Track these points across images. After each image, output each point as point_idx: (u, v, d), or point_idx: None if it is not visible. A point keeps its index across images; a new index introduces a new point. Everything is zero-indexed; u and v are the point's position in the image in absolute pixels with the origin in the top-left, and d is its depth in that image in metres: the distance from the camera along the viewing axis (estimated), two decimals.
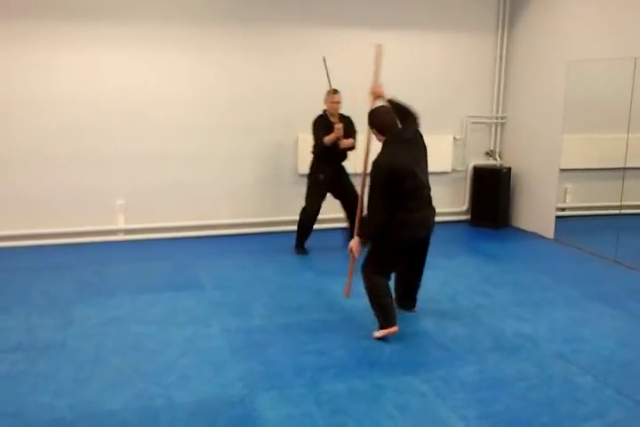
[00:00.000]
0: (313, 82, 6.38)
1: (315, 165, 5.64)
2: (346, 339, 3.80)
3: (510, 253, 6.00)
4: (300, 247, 5.74)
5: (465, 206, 7.17)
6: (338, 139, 5.46)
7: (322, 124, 5.56)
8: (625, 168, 5.59)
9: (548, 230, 6.43)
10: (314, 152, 5.66)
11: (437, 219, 6.83)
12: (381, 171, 3.63)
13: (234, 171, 6.33)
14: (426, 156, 3.97)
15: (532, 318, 4.18)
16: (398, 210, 3.71)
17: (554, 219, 6.38)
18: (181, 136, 6.14)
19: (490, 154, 7.16)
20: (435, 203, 6.60)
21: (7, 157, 5.71)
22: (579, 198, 6.86)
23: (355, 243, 3.88)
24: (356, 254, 3.91)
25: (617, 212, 5.65)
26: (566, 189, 6.75)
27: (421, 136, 3.95)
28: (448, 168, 7.00)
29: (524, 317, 4.22)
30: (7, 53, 5.58)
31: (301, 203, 6.70)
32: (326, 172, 5.58)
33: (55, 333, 3.85)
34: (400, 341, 3.79)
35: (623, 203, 5.63)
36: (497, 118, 7.10)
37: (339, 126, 5.42)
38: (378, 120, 3.85)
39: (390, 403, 3.03)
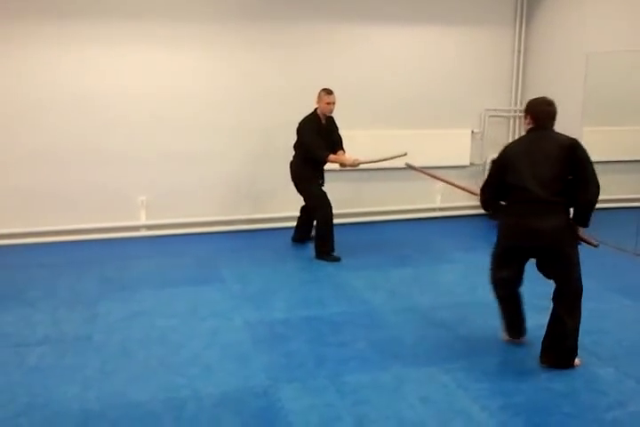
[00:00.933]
0: (332, 79, 6.42)
1: (307, 170, 5.36)
2: (367, 331, 3.84)
3: None
4: (332, 253, 5.39)
5: None
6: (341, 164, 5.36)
7: (314, 130, 5.27)
8: None
9: None
10: (304, 157, 5.32)
11: (454, 213, 7.02)
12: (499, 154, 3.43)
13: (253, 168, 6.38)
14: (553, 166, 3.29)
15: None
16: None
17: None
18: (202, 135, 6.19)
19: None
20: (452, 196, 6.65)
21: (32, 154, 5.80)
22: (600, 191, 6.81)
23: None
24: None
25: (638, 204, 5.61)
26: None
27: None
28: (466, 162, 7.00)
29: (545, 307, 4.16)
30: (40, 51, 5.67)
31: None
32: (320, 176, 5.49)
33: (81, 326, 3.92)
34: (421, 332, 3.82)
35: None
36: (515, 111, 7.07)
37: (356, 162, 5.30)
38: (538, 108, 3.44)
39: (412, 394, 3.06)
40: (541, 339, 3.45)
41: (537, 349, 3.55)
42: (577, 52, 6.11)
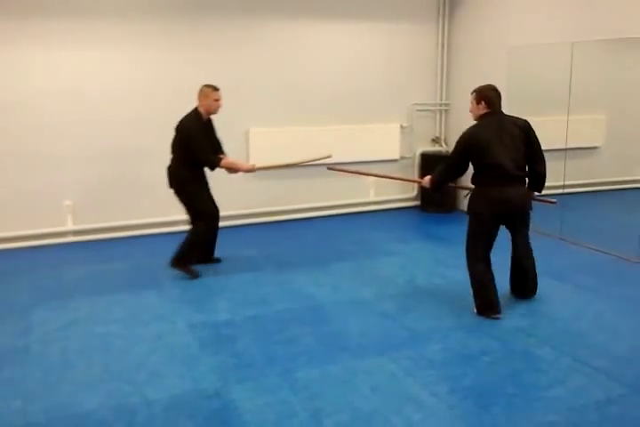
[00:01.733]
0: (259, 74, 6.42)
1: (191, 173, 4.85)
2: (313, 327, 3.86)
3: (461, 235, 6.10)
4: (191, 266, 4.86)
5: (414, 192, 7.32)
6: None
7: (201, 131, 4.77)
8: (566, 149, 5.84)
9: None
10: (188, 160, 4.76)
11: (388, 206, 7.16)
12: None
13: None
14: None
15: None
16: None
17: None
18: (129, 133, 6.04)
19: (436, 140, 7.33)
20: (385, 190, 6.83)
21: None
22: None
23: None
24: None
25: (560, 191, 5.89)
26: None
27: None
28: (396, 155, 7.13)
29: None
30: None
31: (256, 196, 6.74)
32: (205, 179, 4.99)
33: (16, 338, 3.76)
34: (365, 324, 3.88)
35: (566, 182, 5.88)
36: (441, 105, 7.27)
37: (253, 168, 4.97)
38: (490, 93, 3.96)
39: (363, 385, 3.11)
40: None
41: (479, 333, 3.69)
42: (499, 46, 6.33)
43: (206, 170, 4.93)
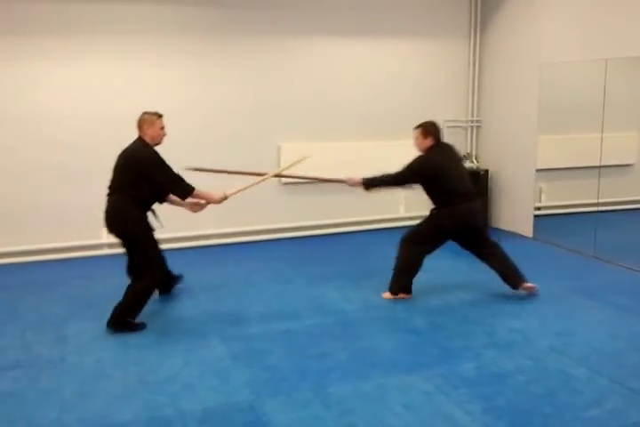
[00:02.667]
0: (291, 91, 6.50)
1: (141, 214, 4.19)
2: (344, 342, 3.86)
3: None
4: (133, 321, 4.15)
5: None
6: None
7: (163, 160, 4.15)
8: (600, 166, 5.78)
9: (527, 229, 6.60)
10: (140, 198, 4.13)
11: (418, 222, 7.11)
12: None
13: (217, 181, 6.33)
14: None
15: (522, 314, 4.30)
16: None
17: (532, 218, 6.56)
18: (165, 148, 6.13)
19: (467, 157, 7.31)
20: (416, 206, 6.85)
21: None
22: (553, 197, 7.05)
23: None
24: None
25: (594, 209, 5.83)
26: (541, 188, 6.93)
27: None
28: None
29: (514, 313, 4.34)
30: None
31: (286, 211, 6.79)
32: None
33: (53, 348, 3.83)
34: (396, 341, 3.87)
35: (600, 200, 5.82)
36: (472, 122, 7.27)
37: (225, 196, 4.45)
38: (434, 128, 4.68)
39: (396, 402, 3.10)
40: None
41: (512, 352, 3.65)
42: (531, 63, 6.33)
43: None
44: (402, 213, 7.12)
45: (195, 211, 4.57)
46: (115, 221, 4.13)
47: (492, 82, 7.01)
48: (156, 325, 4.20)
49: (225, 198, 4.45)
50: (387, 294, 4.66)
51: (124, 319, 4.10)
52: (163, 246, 6.27)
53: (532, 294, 4.63)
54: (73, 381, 3.38)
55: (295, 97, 6.50)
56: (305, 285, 5.05)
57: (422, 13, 6.84)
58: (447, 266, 5.58)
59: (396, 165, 7.10)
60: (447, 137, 7.10)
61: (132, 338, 3.98)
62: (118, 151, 5.96)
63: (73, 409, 3.07)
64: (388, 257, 5.80)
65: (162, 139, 4.29)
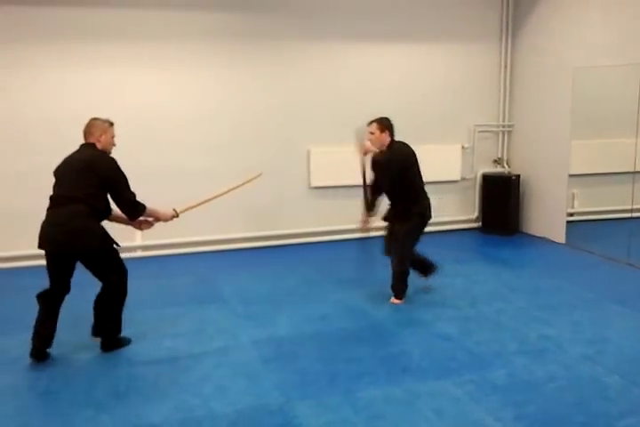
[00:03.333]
0: (321, 95, 6.53)
1: (100, 226, 3.76)
2: (374, 346, 3.86)
3: (524, 258, 6.10)
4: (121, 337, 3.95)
5: (475, 214, 7.26)
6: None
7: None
8: (635, 172, 5.70)
9: (559, 235, 6.52)
10: (98, 214, 3.73)
11: (447, 227, 7.11)
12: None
13: (247, 185, 6.40)
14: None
15: (554, 321, 4.25)
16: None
17: (564, 224, 6.48)
18: (195, 152, 6.23)
19: (498, 162, 7.27)
20: (444, 211, 6.86)
21: (18, 176, 5.80)
22: (586, 203, 6.97)
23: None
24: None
25: (628, 215, 5.74)
26: (573, 194, 6.85)
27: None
28: (457, 177, 7.11)
29: (546, 320, 4.29)
30: (24, 73, 5.70)
31: (314, 215, 6.82)
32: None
33: (86, 349, 3.89)
34: (427, 346, 3.86)
35: (634, 206, 5.73)
36: (504, 126, 7.22)
37: (175, 214, 4.20)
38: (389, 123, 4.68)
39: (426, 407, 3.09)
40: None
41: (543, 359, 3.62)
42: (563, 67, 6.26)
43: None
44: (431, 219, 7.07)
45: (142, 229, 4.16)
46: (79, 237, 3.57)
47: (524, 86, 6.95)
48: (186, 327, 4.25)
49: (176, 216, 4.14)
50: (395, 300, 4.70)
51: (115, 334, 3.90)
52: (192, 250, 6.43)
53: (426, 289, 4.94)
54: (106, 381, 3.45)
55: (325, 101, 6.54)
56: (333, 289, 5.06)
57: (453, 17, 6.82)
58: (476, 271, 5.55)
59: (425, 168, 7.10)
60: (477, 141, 7.14)
61: (165, 339, 4.03)
62: (140, 153, 6.00)
63: (106, 409, 3.13)
64: None
65: (111, 149, 3.85)
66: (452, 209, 7.19)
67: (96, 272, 3.82)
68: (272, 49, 6.31)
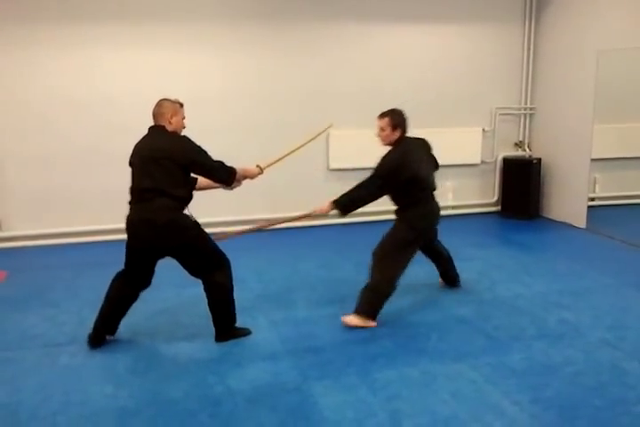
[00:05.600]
0: (341, 77, 6.48)
1: (186, 216, 3.62)
2: (390, 328, 3.87)
3: (544, 242, 6.05)
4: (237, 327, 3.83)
5: (495, 198, 7.21)
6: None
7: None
8: None
9: (580, 220, 6.45)
10: (182, 203, 3.58)
11: (467, 211, 7.07)
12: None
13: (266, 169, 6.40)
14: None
15: (573, 306, 4.23)
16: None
17: (586, 208, 6.40)
18: (214, 135, 6.21)
19: (519, 145, 7.19)
20: (464, 194, 6.74)
21: (45, 156, 5.86)
22: (608, 188, 6.89)
23: None
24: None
25: None
26: (595, 178, 6.77)
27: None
28: (477, 160, 7.05)
29: (565, 305, 4.27)
30: (51, 54, 5.73)
31: (333, 197, 6.83)
32: None
33: None
34: (444, 329, 3.86)
35: None
36: (526, 109, 7.12)
37: (261, 169, 4.05)
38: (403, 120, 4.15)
39: (443, 389, 3.10)
40: None
41: (562, 344, 3.60)
42: (587, 50, 6.15)
43: None
44: (450, 202, 7.05)
45: (232, 188, 3.95)
46: (172, 233, 3.47)
47: (547, 69, 6.83)
48: (204, 308, 4.28)
49: (261, 172, 4.01)
50: (349, 319, 3.91)
51: (230, 328, 3.76)
52: (209, 230, 6.44)
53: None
54: (126, 357, 3.50)
55: (344, 84, 6.49)
56: (352, 271, 5.06)
57: None
58: (495, 255, 5.52)
59: (445, 152, 7.04)
60: (499, 124, 7.05)
61: (184, 317, 4.08)
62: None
63: (126, 385, 3.18)
64: None
65: (182, 131, 3.70)
66: (471, 193, 7.13)
67: (195, 269, 3.65)
68: (291, 31, 6.26)
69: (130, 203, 3.55)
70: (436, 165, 4.32)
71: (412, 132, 6.63)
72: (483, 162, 7.08)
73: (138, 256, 3.62)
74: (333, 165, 6.57)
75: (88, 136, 5.92)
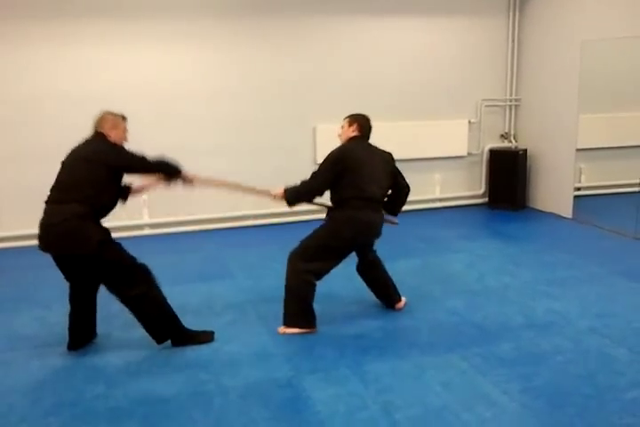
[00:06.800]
0: (328, 71, 6.48)
1: (98, 226, 3.48)
2: (381, 321, 3.90)
3: (531, 233, 6.09)
4: (191, 332, 3.67)
5: (482, 189, 7.24)
6: None
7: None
8: None
9: (567, 210, 6.50)
10: (95, 210, 3.42)
11: (454, 203, 7.10)
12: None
13: (254, 163, 6.40)
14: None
15: (561, 296, 4.27)
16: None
17: (572, 198, 6.45)
18: (201, 130, 6.22)
19: (505, 136, 7.22)
20: (451, 187, 6.73)
21: (35, 154, 5.80)
22: (593, 178, 6.93)
23: None
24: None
25: (636, 189, 5.70)
26: (580, 168, 6.81)
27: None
28: (464, 152, 7.07)
29: (553, 294, 4.30)
30: (41, 51, 5.70)
31: None
32: None
33: (98, 326, 3.91)
34: (433, 321, 3.89)
35: None
36: (511, 101, 7.15)
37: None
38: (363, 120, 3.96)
39: (434, 380, 3.12)
40: None
41: (550, 332, 3.64)
42: (571, 40, 6.18)
43: None
44: (438, 194, 7.08)
45: (174, 184, 3.75)
46: (72, 240, 3.30)
47: (532, 60, 6.86)
48: (194, 303, 4.29)
49: (191, 182, 3.78)
50: (283, 328, 3.80)
51: (175, 331, 3.59)
52: (200, 227, 6.47)
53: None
54: (117, 357, 3.50)
55: (330, 77, 6.49)
56: (342, 265, 5.06)
57: None
58: (483, 246, 5.56)
59: (431, 144, 7.08)
60: (485, 116, 7.08)
61: None
62: (159, 132, 6.02)
63: (118, 384, 3.17)
64: (424, 238, 5.84)
65: (125, 141, 3.61)
66: (458, 185, 7.16)
67: (106, 283, 3.50)
68: (278, 25, 6.24)
69: (45, 202, 3.45)
70: (397, 183, 3.94)
71: (398, 124, 6.71)
72: (469, 154, 7.11)
73: (55, 262, 3.50)
74: (320, 160, 6.54)
75: (81, 133, 5.83)
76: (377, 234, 3.88)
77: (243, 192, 4.18)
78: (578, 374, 3.16)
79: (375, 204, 3.79)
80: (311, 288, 3.76)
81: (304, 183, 3.81)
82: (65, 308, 4.22)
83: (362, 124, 3.92)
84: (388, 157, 3.92)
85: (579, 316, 3.89)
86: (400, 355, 3.42)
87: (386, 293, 4.13)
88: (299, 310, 3.76)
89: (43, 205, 3.50)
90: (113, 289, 3.50)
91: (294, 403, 2.95)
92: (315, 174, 3.80)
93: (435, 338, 3.64)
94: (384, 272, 4.14)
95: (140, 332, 3.80)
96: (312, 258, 3.74)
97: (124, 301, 3.51)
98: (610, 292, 4.32)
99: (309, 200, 3.90)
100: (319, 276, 3.79)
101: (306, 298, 3.76)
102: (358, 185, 3.69)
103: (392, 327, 3.80)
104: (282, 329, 3.78)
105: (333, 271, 4.82)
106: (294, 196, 3.84)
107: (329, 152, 3.83)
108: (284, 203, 3.88)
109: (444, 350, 3.48)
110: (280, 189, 3.85)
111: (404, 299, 4.18)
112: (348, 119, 3.97)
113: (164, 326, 3.57)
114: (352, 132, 3.90)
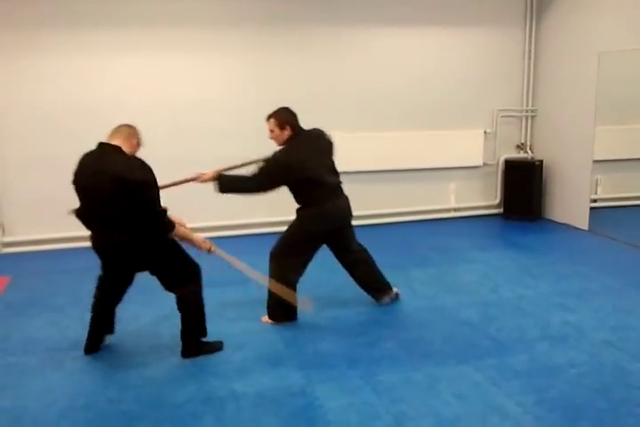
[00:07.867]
0: (341, 80, 6.50)
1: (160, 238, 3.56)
2: (394, 331, 3.88)
3: (546, 244, 6.04)
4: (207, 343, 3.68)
5: (497, 200, 7.21)
6: None
7: None
8: None
9: (583, 222, 6.45)
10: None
11: (469, 213, 7.07)
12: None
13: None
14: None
15: (576, 308, 4.22)
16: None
17: (588, 210, 6.40)
18: (216, 138, 6.24)
19: (521, 147, 7.19)
20: (466, 197, 6.69)
21: (49, 161, 5.86)
22: (610, 189, 6.88)
23: None
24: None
25: None
26: (597, 180, 6.77)
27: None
28: (479, 162, 7.05)
29: (568, 306, 4.27)
30: (51, 60, 5.76)
31: None
32: None
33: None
34: (447, 331, 3.86)
35: None
36: (527, 111, 7.13)
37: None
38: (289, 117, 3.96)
39: (447, 391, 3.10)
40: None
41: (565, 345, 3.60)
42: (588, 52, 6.15)
43: None
44: (453, 204, 7.06)
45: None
46: (132, 254, 3.49)
47: (548, 71, 6.84)
48: (207, 310, 4.27)
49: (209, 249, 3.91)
50: (266, 318, 4.06)
51: (197, 342, 3.61)
52: (212, 234, 6.47)
53: (395, 300, 4.32)
54: (130, 362, 3.51)
55: (343, 87, 6.50)
56: None
57: (477, 2, 6.72)
58: (497, 257, 5.52)
59: (447, 154, 7.05)
60: (500, 126, 7.06)
61: None
62: (164, 142, 6.00)
63: (130, 389, 3.18)
64: (438, 248, 5.81)
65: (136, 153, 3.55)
66: (473, 195, 7.14)
67: (163, 281, 3.60)
68: (293, 35, 6.27)
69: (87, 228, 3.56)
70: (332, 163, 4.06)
71: (414, 134, 6.70)
72: (485, 164, 7.09)
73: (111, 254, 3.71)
74: (341, 168, 6.56)
75: (92, 140, 5.89)
76: (347, 216, 4.09)
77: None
78: (593, 387, 3.12)
79: (335, 190, 4.00)
80: (292, 286, 3.98)
81: (246, 180, 3.87)
82: (79, 313, 4.27)
83: (290, 122, 3.92)
84: (322, 136, 4.08)
85: (594, 328, 3.85)
86: (412, 366, 3.40)
87: (374, 287, 4.28)
88: (280, 307, 3.99)
89: (56, 211, 3.53)
90: (168, 284, 3.62)
91: (306, 411, 2.94)
92: (259, 177, 3.81)
93: (448, 349, 3.62)
94: (372, 267, 4.27)
95: (151, 337, 3.82)
96: (290, 254, 3.98)
97: (177, 298, 3.62)
98: (626, 305, 4.27)
99: (239, 194, 4.10)
100: (300, 269, 4.05)
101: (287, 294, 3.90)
102: (317, 180, 3.85)
103: (404, 337, 3.78)
104: (265, 319, 4.06)
105: (346, 279, 4.81)
106: (229, 186, 3.89)
107: (273, 153, 3.87)
108: (214, 186, 3.88)
109: (457, 361, 3.45)
110: (211, 174, 3.88)
111: (395, 289, 4.30)
112: (273, 122, 3.91)
113: (200, 328, 3.63)
114: (286, 134, 3.90)
